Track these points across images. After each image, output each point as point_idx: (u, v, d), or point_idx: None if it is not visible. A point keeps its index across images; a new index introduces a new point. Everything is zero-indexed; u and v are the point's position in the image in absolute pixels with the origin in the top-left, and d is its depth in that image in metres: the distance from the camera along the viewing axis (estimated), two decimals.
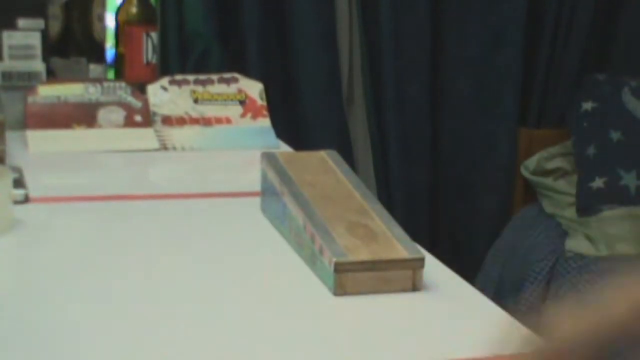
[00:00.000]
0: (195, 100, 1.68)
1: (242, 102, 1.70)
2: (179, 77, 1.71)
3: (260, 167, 1.22)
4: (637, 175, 2.39)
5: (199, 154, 1.59)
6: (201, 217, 1.25)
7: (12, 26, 1.69)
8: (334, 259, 0.97)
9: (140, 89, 1.67)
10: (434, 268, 1.04)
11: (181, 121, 1.65)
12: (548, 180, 2.57)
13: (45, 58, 1.71)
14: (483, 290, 1.02)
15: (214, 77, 1.72)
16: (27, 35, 1.70)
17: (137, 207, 1.28)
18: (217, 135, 1.64)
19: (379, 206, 1.10)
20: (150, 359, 0.82)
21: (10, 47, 1.69)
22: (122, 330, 0.87)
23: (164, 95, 1.67)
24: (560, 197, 2.51)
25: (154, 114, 1.65)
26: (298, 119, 2.46)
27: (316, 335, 0.89)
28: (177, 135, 1.63)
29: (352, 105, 2.62)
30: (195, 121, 1.66)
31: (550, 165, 2.58)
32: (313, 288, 0.99)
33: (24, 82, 1.68)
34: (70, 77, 1.81)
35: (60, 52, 1.86)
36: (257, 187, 1.24)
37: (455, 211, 2.69)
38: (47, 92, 1.63)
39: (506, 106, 2.63)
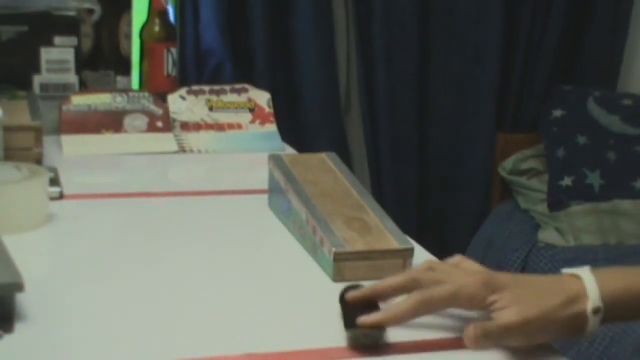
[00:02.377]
0: (210, 108, 1.67)
1: (251, 110, 1.69)
2: (195, 87, 1.71)
3: (268, 168, 1.21)
4: (601, 175, 2.39)
5: (213, 156, 1.59)
6: (215, 212, 1.25)
7: (49, 43, 1.69)
8: (333, 249, 0.96)
9: (161, 98, 1.66)
10: (422, 257, 1.03)
11: (197, 127, 1.65)
12: (522, 179, 2.57)
13: (78, 71, 1.71)
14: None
15: (227, 87, 1.71)
16: (62, 51, 1.69)
17: (159, 203, 1.28)
18: (229, 139, 1.64)
19: (373, 202, 1.09)
20: (167, 334, 0.82)
21: (47, 62, 1.69)
22: (145, 313, 0.87)
23: (182, 104, 1.67)
24: (533, 194, 2.51)
25: (174, 120, 1.64)
26: (301, 125, 2.46)
27: (317, 316, 0.88)
28: (194, 139, 1.62)
29: (349, 112, 2.61)
30: (210, 127, 1.66)
31: (525, 165, 2.58)
32: (314, 275, 0.98)
33: (59, 93, 1.68)
34: (99, 88, 1.80)
35: (91, 66, 1.86)
36: (265, 185, 1.24)
37: (440, 206, 2.69)
38: (79, 101, 1.62)
39: (485, 113, 2.63)
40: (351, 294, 0.87)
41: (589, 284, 0.82)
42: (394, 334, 0.83)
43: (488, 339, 0.80)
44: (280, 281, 0.98)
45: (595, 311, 0.82)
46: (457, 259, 0.91)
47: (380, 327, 0.82)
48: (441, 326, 0.86)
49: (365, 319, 0.82)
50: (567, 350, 1.89)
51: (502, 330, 0.80)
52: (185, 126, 1.64)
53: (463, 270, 0.87)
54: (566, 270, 0.86)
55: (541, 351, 0.82)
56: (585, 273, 0.83)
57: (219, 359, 0.78)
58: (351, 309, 0.85)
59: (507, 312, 0.80)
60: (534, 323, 0.80)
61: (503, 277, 0.84)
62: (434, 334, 0.84)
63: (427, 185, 2.65)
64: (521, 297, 0.81)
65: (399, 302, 0.84)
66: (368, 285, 0.88)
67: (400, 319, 0.83)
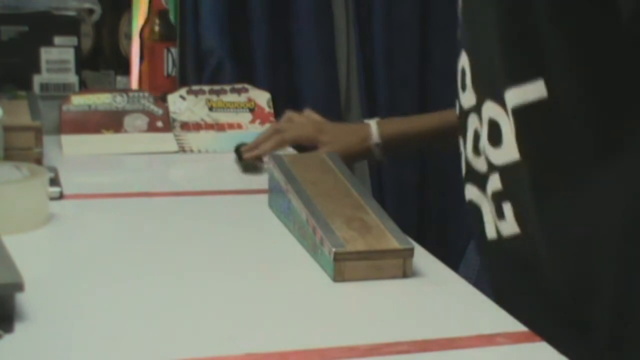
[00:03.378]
0: (210, 108, 1.67)
1: (251, 110, 1.69)
2: (195, 87, 1.71)
3: (268, 168, 1.21)
4: None
5: (213, 156, 1.59)
6: (215, 212, 1.25)
7: (49, 43, 1.69)
8: (333, 249, 0.96)
9: (161, 98, 1.66)
10: (422, 257, 1.03)
11: (198, 126, 1.65)
12: None
13: (78, 71, 1.71)
14: (465, 276, 1.02)
15: (227, 87, 1.72)
16: (62, 51, 1.70)
17: (159, 203, 1.28)
18: (229, 139, 1.64)
19: (373, 202, 1.09)
20: (167, 334, 0.82)
21: (48, 62, 1.69)
22: (145, 313, 0.87)
23: (182, 104, 1.67)
24: None
25: (174, 120, 1.64)
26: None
27: (317, 316, 0.88)
28: (194, 139, 1.62)
29: (349, 112, 2.61)
30: (210, 126, 1.66)
31: None
32: (315, 275, 0.98)
33: (59, 93, 1.68)
34: (99, 88, 1.81)
35: (91, 66, 1.86)
36: (265, 185, 1.24)
37: (440, 206, 2.69)
38: (80, 101, 1.62)
39: None
40: (247, 154, 1.45)
41: (373, 128, 1.41)
42: (394, 335, 0.83)
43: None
44: (280, 281, 0.98)
45: (377, 145, 1.41)
46: (306, 112, 1.52)
47: (258, 160, 1.42)
48: (441, 326, 0.86)
49: (249, 154, 1.44)
50: None
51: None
52: (185, 126, 1.64)
53: (307, 119, 1.48)
54: (366, 120, 1.45)
55: (541, 351, 0.82)
56: (373, 122, 1.42)
57: (219, 359, 0.77)
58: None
59: (325, 148, 1.37)
60: (341, 154, 1.23)
61: (327, 124, 1.46)
62: (434, 334, 0.84)
63: (427, 185, 2.65)
64: (334, 139, 1.40)
65: (266, 142, 1.43)
66: (252, 143, 1.46)
67: (267, 151, 1.40)
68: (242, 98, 1.70)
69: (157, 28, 1.77)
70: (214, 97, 1.69)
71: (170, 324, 0.84)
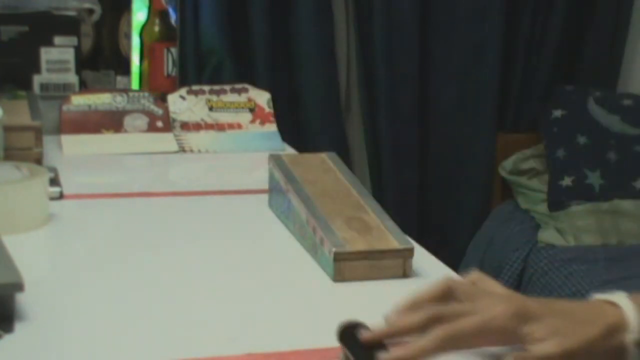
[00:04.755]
0: (210, 108, 1.67)
1: (251, 110, 1.69)
2: (195, 87, 1.71)
3: (268, 168, 1.21)
4: (601, 175, 2.39)
5: (213, 156, 1.59)
6: (215, 212, 1.25)
7: (49, 43, 1.69)
8: (333, 249, 0.96)
9: (161, 98, 1.66)
10: (422, 257, 1.03)
11: (198, 126, 1.65)
12: (523, 179, 2.57)
13: (78, 71, 1.71)
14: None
15: (227, 87, 1.72)
16: (62, 51, 1.70)
17: (159, 203, 1.28)
18: (229, 139, 1.64)
19: (373, 202, 1.09)
20: (167, 334, 0.82)
21: (48, 62, 1.69)
22: (145, 313, 0.87)
23: (182, 104, 1.67)
24: (533, 194, 2.51)
25: (174, 120, 1.64)
26: (301, 125, 2.46)
27: (317, 316, 0.88)
28: (194, 139, 1.62)
29: (350, 112, 2.61)
30: (210, 126, 1.66)
31: (525, 166, 2.58)
32: (315, 275, 0.98)
33: (59, 93, 1.68)
34: (99, 87, 1.81)
35: (91, 66, 1.86)
36: (265, 185, 1.24)
37: (440, 206, 2.69)
38: (80, 101, 1.62)
39: (486, 113, 2.63)
40: (366, 335, 0.76)
41: (629, 313, 0.78)
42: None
43: None
44: (281, 281, 0.98)
45: (637, 343, 0.77)
46: (474, 276, 0.83)
47: None
48: None
49: (385, 357, 0.73)
50: None
51: None
52: (185, 126, 1.64)
53: (489, 298, 0.78)
54: (600, 296, 0.81)
55: None
56: (622, 300, 0.79)
57: (219, 359, 0.77)
58: (357, 345, 0.76)
59: (546, 344, 0.74)
60: (575, 354, 0.75)
61: (535, 304, 0.77)
62: None
63: (427, 185, 2.65)
64: (559, 328, 0.75)
65: (425, 337, 0.74)
66: (379, 325, 0.78)
67: (422, 357, 0.73)
68: (242, 98, 1.70)
69: (157, 28, 1.77)
70: (214, 97, 1.69)
71: (170, 324, 0.84)
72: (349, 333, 0.77)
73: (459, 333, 0.74)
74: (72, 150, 1.53)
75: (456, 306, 0.77)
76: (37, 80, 1.69)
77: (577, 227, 2.31)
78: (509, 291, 0.80)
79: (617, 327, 0.77)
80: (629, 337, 0.76)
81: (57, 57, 1.69)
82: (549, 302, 0.78)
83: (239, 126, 1.67)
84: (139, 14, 1.83)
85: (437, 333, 0.73)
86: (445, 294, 0.78)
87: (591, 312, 0.78)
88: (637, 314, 0.77)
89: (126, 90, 1.72)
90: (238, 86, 1.72)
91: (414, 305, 0.78)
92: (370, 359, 0.73)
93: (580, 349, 0.75)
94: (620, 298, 0.79)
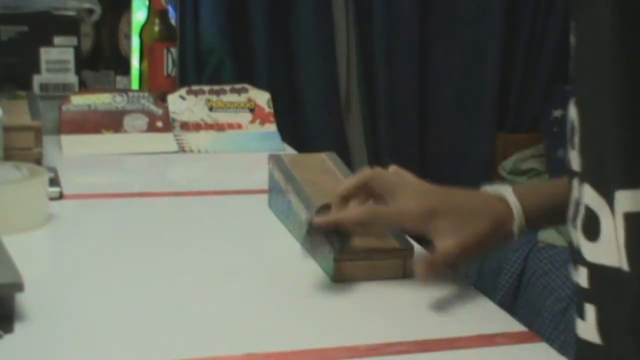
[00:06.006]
0: (210, 108, 1.67)
1: (251, 110, 1.69)
2: (195, 87, 1.71)
3: (268, 168, 1.21)
4: None
5: (213, 156, 1.59)
6: (215, 212, 1.25)
7: (49, 43, 1.69)
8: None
9: (161, 98, 1.66)
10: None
11: (197, 127, 1.65)
12: (523, 179, 2.57)
13: (78, 71, 1.71)
14: (466, 276, 1.02)
15: (227, 87, 1.72)
16: (61, 51, 1.70)
17: (159, 203, 1.28)
18: (229, 139, 1.64)
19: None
20: (167, 334, 0.82)
21: (47, 62, 1.69)
22: (145, 313, 0.87)
23: (182, 104, 1.67)
24: None
25: (174, 120, 1.64)
26: (301, 125, 2.46)
27: (317, 316, 0.88)
28: (194, 139, 1.62)
29: (349, 112, 2.61)
30: (210, 127, 1.66)
31: (525, 166, 2.58)
32: (315, 275, 0.98)
33: (59, 93, 1.68)
34: (99, 87, 1.81)
35: (91, 66, 1.86)
36: (265, 185, 1.24)
37: None
38: (79, 101, 1.62)
39: (485, 113, 2.63)
40: (319, 219, 0.94)
41: (515, 206, 0.93)
42: (394, 335, 0.83)
43: (434, 269, 0.92)
44: (280, 281, 0.98)
45: (520, 229, 0.93)
46: (393, 169, 1.01)
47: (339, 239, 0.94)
48: (441, 326, 0.86)
49: (320, 218, 0.94)
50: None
51: (444, 259, 0.91)
52: (185, 126, 1.64)
53: (403, 196, 0.94)
54: (489, 189, 0.96)
55: (541, 351, 0.82)
56: (509, 194, 0.94)
57: (219, 359, 0.78)
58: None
59: (446, 241, 0.91)
60: (470, 248, 0.91)
61: (438, 203, 0.93)
62: (434, 334, 0.84)
63: None
64: (457, 224, 0.91)
65: (350, 210, 0.94)
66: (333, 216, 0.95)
67: (348, 221, 0.93)
68: (242, 98, 1.70)
69: (157, 28, 1.77)
70: (213, 97, 1.69)
71: (170, 324, 0.84)
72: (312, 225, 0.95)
73: (380, 214, 0.94)
74: (71, 151, 1.53)
75: (377, 176, 0.98)
76: (36, 80, 1.69)
77: None
78: (420, 183, 0.98)
79: (505, 219, 0.93)
80: (515, 226, 0.93)
81: (57, 57, 1.69)
82: (449, 197, 0.95)
83: (239, 126, 1.67)
84: (138, 14, 1.84)
85: (366, 210, 0.94)
86: (367, 182, 0.96)
87: (483, 206, 0.94)
88: (520, 206, 0.93)
89: (126, 90, 1.72)
90: (238, 86, 1.72)
91: (346, 196, 0.95)
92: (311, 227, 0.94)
93: (474, 241, 0.91)
94: (507, 192, 0.94)
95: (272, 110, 1.70)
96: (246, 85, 1.73)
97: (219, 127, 1.66)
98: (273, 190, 1.21)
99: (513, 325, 0.86)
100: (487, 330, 0.84)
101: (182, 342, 0.80)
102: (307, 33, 2.43)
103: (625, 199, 0.72)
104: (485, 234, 0.92)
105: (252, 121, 1.68)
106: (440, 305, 0.92)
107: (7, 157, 1.29)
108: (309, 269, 1.00)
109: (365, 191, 0.96)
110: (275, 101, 1.72)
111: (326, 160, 1.21)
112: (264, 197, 1.24)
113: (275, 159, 1.20)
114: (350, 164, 2.49)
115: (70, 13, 1.72)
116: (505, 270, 2.33)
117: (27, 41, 1.68)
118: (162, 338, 0.81)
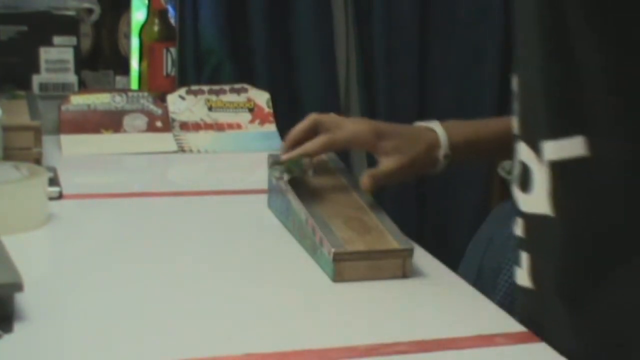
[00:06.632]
0: (210, 108, 1.68)
1: (251, 110, 1.70)
2: (195, 87, 1.71)
3: (267, 168, 1.22)
4: None
5: (212, 156, 1.59)
6: (215, 212, 1.25)
7: (48, 43, 1.69)
8: (333, 249, 0.96)
9: (160, 98, 1.66)
10: (422, 257, 1.03)
11: (197, 126, 1.65)
12: None
13: (77, 71, 1.71)
14: (465, 276, 1.02)
15: (226, 87, 1.72)
16: (61, 51, 1.70)
17: (159, 203, 1.28)
18: (228, 139, 1.64)
19: (372, 202, 1.09)
20: (167, 334, 0.82)
21: (47, 62, 1.69)
22: (145, 313, 0.87)
23: (181, 104, 1.67)
24: None
25: (173, 120, 1.64)
26: None
27: (317, 316, 0.89)
28: (194, 139, 1.62)
29: (349, 113, 2.61)
30: (209, 127, 1.66)
31: None
32: (314, 275, 0.98)
33: (59, 92, 1.68)
34: (99, 87, 1.81)
35: (90, 66, 1.86)
36: (264, 186, 1.24)
37: (440, 206, 2.69)
38: (79, 101, 1.62)
39: (485, 114, 2.63)
40: (286, 155, 1.14)
41: (441, 136, 1.12)
42: (394, 335, 0.83)
43: (376, 181, 1.10)
44: (280, 281, 0.99)
45: (445, 156, 1.12)
46: (331, 114, 1.17)
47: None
48: (441, 326, 0.86)
49: (288, 154, 1.13)
50: None
51: (385, 174, 1.10)
52: (184, 126, 1.64)
53: (352, 122, 1.15)
54: (421, 123, 1.16)
55: (541, 352, 0.82)
56: (437, 125, 1.14)
57: (218, 359, 0.78)
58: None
59: (389, 160, 1.10)
60: (406, 168, 1.11)
61: (384, 125, 1.14)
62: (434, 334, 0.84)
63: (426, 185, 2.65)
64: (398, 145, 1.11)
65: (310, 142, 1.11)
66: (288, 140, 1.14)
67: (311, 152, 1.12)
68: (242, 98, 1.70)
69: (156, 28, 1.77)
70: (213, 97, 1.69)
71: (170, 324, 0.85)
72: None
73: (335, 141, 1.11)
74: (71, 150, 1.53)
75: (329, 118, 1.14)
76: (36, 80, 1.69)
77: None
78: (362, 118, 1.18)
79: (433, 146, 1.12)
80: (441, 153, 1.12)
81: (57, 57, 1.69)
82: (391, 124, 1.15)
83: (239, 126, 1.67)
84: (138, 14, 1.84)
85: (322, 139, 1.11)
86: (314, 126, 1.13)
87: (417, 134, 1.13)
88: (446, 137, 1.12)
89: (125, 90, 1.72)
90: (237, 86, 1.72)
91: (294, 141, 1.13)
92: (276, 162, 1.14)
93: (410, 162, 1.11)
94: (435, 125, 1.14)
95: (271, 110, 1.70)
96: (246, 85, 1.73)
97: (219, 127, 1.66)
98: (272, 190, 1.21)
99: (513, 325, 0.86)
100: (486, 331, 0.84)
101: (182, 342, 0.80)
102: (306, 33, 2.43)
103: (549, 149, 0.80)
104: (420, 158, 1.11)
105: (252, 121, 1.68)
106: (440, 305, 0.92)
107: (7, 157, 1.29)
108: (309, 269, 1.00)
109: (312, 135, 1.12)
110: (274, 101, 1.72)
111: (325, 161, 1.21)
112: (264, 197, 1.24)
113: (275, 159, 1.20)
114: (349, 164, 2.49)
115: (70, 13, 1.72)
116: (505, 270, 2.32)
117: (26, 41, 1.68)
118: (161, 338, 0.82)
